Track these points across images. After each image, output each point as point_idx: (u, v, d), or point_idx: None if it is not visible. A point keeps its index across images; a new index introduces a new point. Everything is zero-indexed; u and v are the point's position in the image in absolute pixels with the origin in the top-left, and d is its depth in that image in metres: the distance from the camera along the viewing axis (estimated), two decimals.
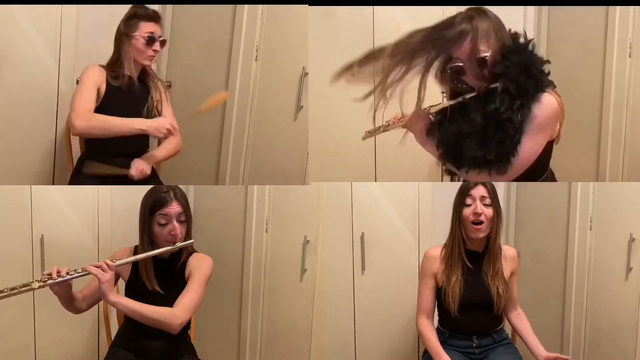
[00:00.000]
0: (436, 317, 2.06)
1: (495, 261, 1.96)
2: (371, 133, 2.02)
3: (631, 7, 2.38)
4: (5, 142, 2.32)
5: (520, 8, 2.58)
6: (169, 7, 2.68)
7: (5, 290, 1.62)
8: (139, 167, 2.11)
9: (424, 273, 2.02)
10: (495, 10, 2.52)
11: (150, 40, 2.13)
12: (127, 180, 2.13)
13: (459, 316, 1.94)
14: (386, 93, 1.76)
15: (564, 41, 2.61)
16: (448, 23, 1.72)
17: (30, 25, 2.32)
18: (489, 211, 1.93)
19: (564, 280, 2.57)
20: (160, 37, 2.16)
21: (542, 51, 2.63)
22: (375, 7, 2.51)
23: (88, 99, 2.08)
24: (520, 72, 1.68)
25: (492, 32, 1.69)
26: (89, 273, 1.68)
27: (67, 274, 1.68)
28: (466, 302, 1.94)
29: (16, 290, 1.62)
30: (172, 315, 1.76)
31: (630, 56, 2.40)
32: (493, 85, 1.70)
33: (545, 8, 2.62)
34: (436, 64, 1.75)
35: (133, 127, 2.08)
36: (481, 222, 1.92)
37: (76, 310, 1.87)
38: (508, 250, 2.03)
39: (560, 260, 2.58)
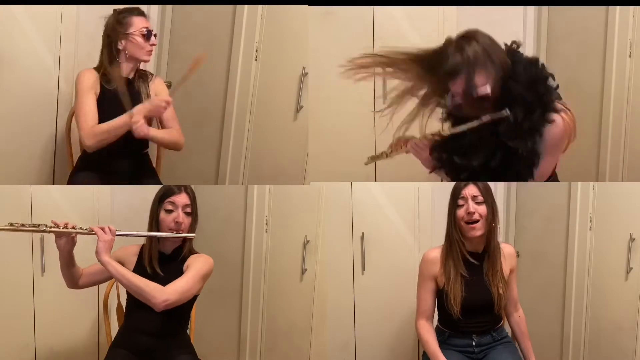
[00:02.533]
0: (436, 317, 2.05)
1: (494, 260, 1.96)
2: (373, 159, 2.08)
3: (631, 7, 2.38)
4: (5, 142, 2.32)
5: (520, 8, 2.58)
6: (169, 7, 2.68)
7: (16, 224, 1.74)
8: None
9: (423, 276, 2.00)
10: (495, 10, 2.56)
11: (148, 34, 2.12)
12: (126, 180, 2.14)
13: (461, 318, 1.93)
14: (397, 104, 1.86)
15: (564, 41, 2.61)
16: (439, 56, 1.70)
17: (30, 25, 2.31)
18: (482, 209, 1.91)
19: (564, 280, 2.57)
20: (154, 31, 2.15)
21: (542, 51, 2.63)
22: (375, 7, 2.51)
23: (90, 111, 2.09)
24: (526, 98, 1.67)
25: (486, 59, 1.65)
26: (92, 231, 1.78)
27: (74, 228, 1.79)
28: (468, 303, 1.93)
29: (25, 228, 1.75)
30: (157, 288, 1.77)
31: (630, 56, 2.40)
32: (499, 115, 1.67)
33: (545, 8, 2.62)
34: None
35: (130, 121, 2.05)
36: (476, 221, 1.91)
37: (72, 280, 1.93)
38: (506, 248, 2.02)
39: (560, 260, 2.57)
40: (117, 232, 1.81)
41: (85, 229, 1.79)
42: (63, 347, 2.43)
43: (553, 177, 1.89)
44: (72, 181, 2.23)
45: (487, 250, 1.97)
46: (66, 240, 1.82)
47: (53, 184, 2.45)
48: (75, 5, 2.42)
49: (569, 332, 2.57)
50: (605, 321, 2.50)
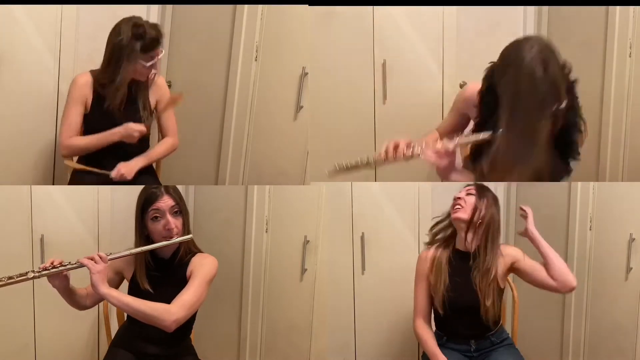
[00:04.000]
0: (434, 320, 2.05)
1: (487, 268, 1.90)
2: (345, 169, 1.83)
3: (631, 7, 2.38)
4: (5, 142, 2.33)
5: (520, 8, 2.58)
6: (169, 7, 2.67)
7: (3, 279, 1.66)
8: (120, 169, 2.13)
9: (418, 275, 2.02)
10: (495, 10, 2.57)
11: (153, 65, 2.11)
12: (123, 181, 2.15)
13: (449, 319, 1.93)
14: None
15: (564, 41, 2.61)
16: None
17: (30, 25, 2.32)
18: (470, 199, 1.93)
19: None
20: (160, 54, 2.11)
21: None
22: (375, 7, 2.51)
23: (72, 123, 2.14)
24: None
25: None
26: (82, 264, 1.69)
27: (61, 265, 1.71)
28: (453, 305, 1.92)
29: (13, 280, 1.67)
30: (165, 310, 1.69)
31: (630, 56, 2.40)
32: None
33: (545, 8, 2.62)
34: None
35: (108, 140, 2.13)
36: (460, 206, 1.93)
37: (79, 305, 1.87)
38: (506, 249, 1.99)
39: None
40: (109, 257, 1.72)
41: (74, 264, 1.71)
42: (63, 347, 2.43)
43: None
44: (72, 181, 2.23)
45: (479, 254, 1.93)
46: (57, 278, 1.74)
47: (53, 184, 2.45)
48: (75, 5, 2.42)
49: (569, 332, 2.57)
50: (605, 321, 2.50)
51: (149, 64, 2.09)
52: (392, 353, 2.55)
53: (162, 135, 2.34)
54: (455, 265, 1.95)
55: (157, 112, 2.29)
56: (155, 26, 2.10)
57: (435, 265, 1.96)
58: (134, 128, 2.11)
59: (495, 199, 1.97)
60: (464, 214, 1.92)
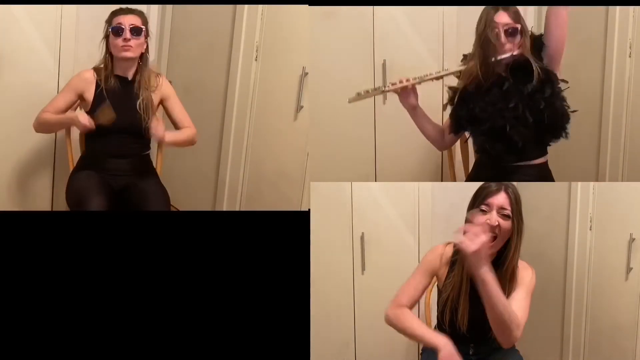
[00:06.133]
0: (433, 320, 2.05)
1: (504, 286, 1.62)
2: (364, 95, 2.00)
3: (631, 7, 2.38)
4: (5, 142, 2.33)
5: (521, 8, 2.58)
6: (169, 7, 2.68)
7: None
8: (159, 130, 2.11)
9: (425, 266, 1.85)
10: None
11: (118, 30, 2.10)
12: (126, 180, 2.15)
13: (453, 331, 1.76)
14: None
15: None
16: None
17: (30, 25, 2.32)
18: (506, 225, 1.63)
19: (564, 280, 2.57)
20: (132, 25, 2.10)
21: None
22: (375, 7, 2.51)
23: (53, 103, 2.14)
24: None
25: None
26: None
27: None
28: (465, 326, 1.74)
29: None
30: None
31: (630, 56, 2.40)
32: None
33: (545, 8, 2.62)
34: None
35: (62, 121, 2.13)
36: (493, 238, 1.63)
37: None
38: (522, 271, 1.72)
39: (560, 260, 2.57)
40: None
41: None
42: None
43: (548, 176, 1.89)
44: (72, 180, 2.22)
45: (496, 271, 1.66)
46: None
47: (53, 184, 2.45)
48: (75, 5, 2.43)
49: (569, 332, 2.57)
50: (605, 321, 2.50)
51: (117, 29, 2.09)
52: (393, 353, 2.55)
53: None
54: (468, 281, 1.71)
55: (165, 111, 2.29)
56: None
57: (451, 270, 1.76)
58: (80, 120, 2.04)
59: (521, 204, 1.71)
60: (494, 249, 1.63)
